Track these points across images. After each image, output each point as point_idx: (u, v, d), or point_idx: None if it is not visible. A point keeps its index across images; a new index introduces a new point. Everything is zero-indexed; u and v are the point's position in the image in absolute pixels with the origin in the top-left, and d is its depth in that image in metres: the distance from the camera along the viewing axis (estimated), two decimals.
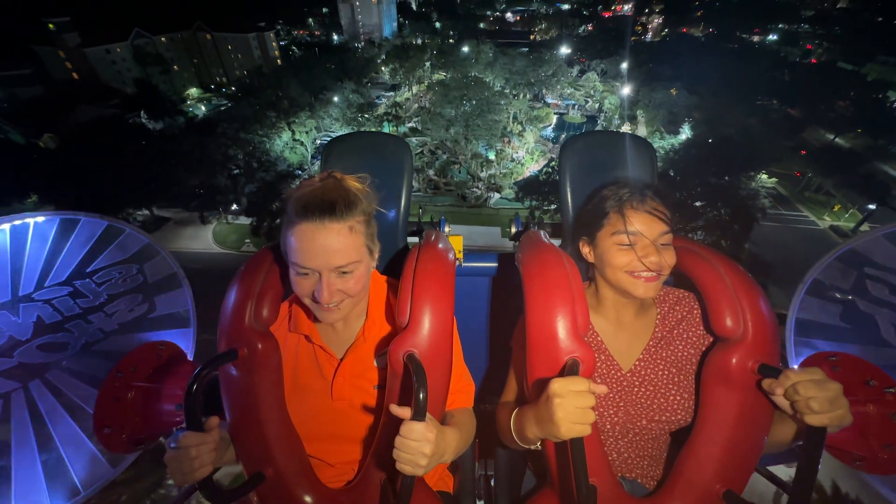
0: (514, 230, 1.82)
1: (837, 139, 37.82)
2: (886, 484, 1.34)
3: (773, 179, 32.39)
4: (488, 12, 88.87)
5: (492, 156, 33.02)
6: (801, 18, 68.11)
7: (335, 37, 70.26)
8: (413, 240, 1.66)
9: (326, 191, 1.07)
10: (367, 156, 1.60)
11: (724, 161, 25.23)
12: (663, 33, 74.50)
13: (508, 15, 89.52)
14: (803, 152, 34.42)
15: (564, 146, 1.60)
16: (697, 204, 23.71)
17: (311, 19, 77.14)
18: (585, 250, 1.35)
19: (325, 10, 76.61)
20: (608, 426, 1.28)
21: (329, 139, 1.64)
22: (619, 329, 1.35)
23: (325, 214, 1.03)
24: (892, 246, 1.53)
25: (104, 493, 1.55)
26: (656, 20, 77.76)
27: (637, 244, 1.20)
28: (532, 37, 71.60)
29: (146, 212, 27.91)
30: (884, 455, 1.15)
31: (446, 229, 1.83)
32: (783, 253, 25.99)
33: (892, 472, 1.16)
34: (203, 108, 49.76)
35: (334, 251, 1.04)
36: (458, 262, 1.77)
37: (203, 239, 27.95)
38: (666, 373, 1.28)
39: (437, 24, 68.87)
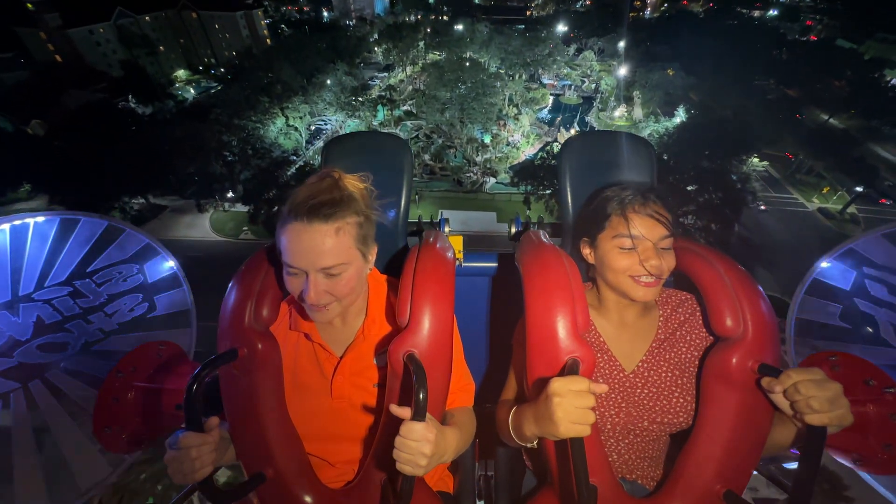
0: (513, 230, 1.82)
1: (832, 119, 37.74)
2: (886, 484, 1.37)
3: (765, 163, 32.44)
4: None
5: (487, 139, 32.86)
6: None
7: (325, 13, 68.85)
8: (413, 240, 1.65)
9: (319, 191, 1.05)
10: (366, 156, 1.59)
11: (717, 145, 25.29)
12: (662, 7, 73.42)
13: None
14: (796, 131, 34.45)
15: (564, 146, 1.60)
16: (690, 188, 23.78)
17: None
18: (586, 251, 1.35)
19: None
20: (609, 427, 1.28)
21: (329, 139, 1.62)
22: (621, 330, 1.35)
23: (312, 215, 1.02)
24: (892, 246, 1.54)
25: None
26: None
27: (638, 247, 1.20)
28: (528, 12, 69.86)
29: (142, 200, 27.72)
30: (884, 455, 1.17)
31: (446, 229, 1.82)
32: (772, 235, 26.38)
33: (892, 472, 1.17)
34: (192, 90, 48.92)
35: (320, 252, 1.03)
36: (458, 262, 1.77)
37: (201, 227, 27.85)
38: (669, 375, 1.28)
39: (430, 0, 67.59)
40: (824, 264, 1.64)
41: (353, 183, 1.13)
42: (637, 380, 1.30)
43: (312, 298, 1.05)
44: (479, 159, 31.71)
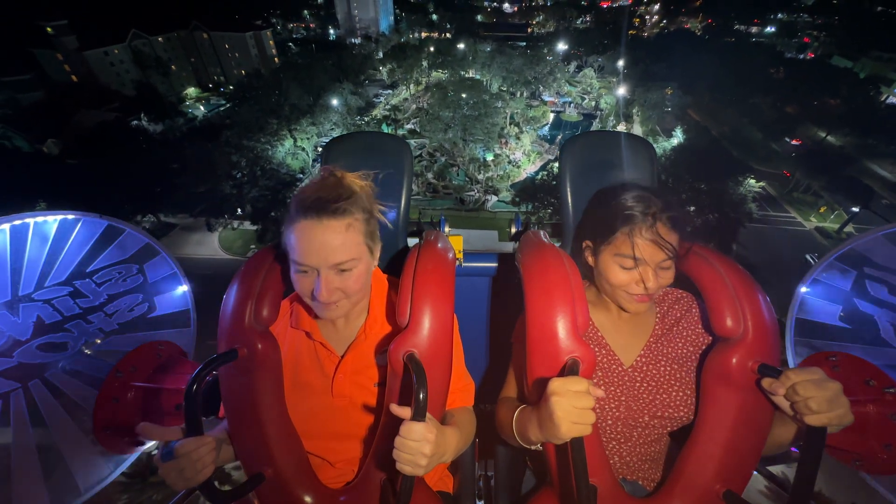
0: (514, 230, 1.82)
1: (829, 137, 37.76)
2: (886, 484, 1.35)
3: (762, 183, 32.24)
4: (485, 3, 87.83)
5: (489, 158, 33.06)
6: (801, 7, 67.60)
7: (331, 31, 70.18)
8: (413, 240, 1.66)
9: (325, 188, 1.07)
10: (366, 156, 1.59)
11: (713, 166, 25.41)
12: (661, 24, 74.44)
13: (506, 5, 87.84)
14: (794, 152, 34.41)
15: (564, 147, 1.59)
16: (688, 209, 23.86)
17: (305, 11, 76.65)
18: (587, 254, 1.35)
19: (319, 0, 76.20)
20: (610, 421, 1.27)
21: (329, 139, 1.63)
22: (619, 325, 1.36)
23: (323, 212, 1.03)
24: (892, 246, 1.54)
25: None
26: (655, 9, 77.45)
27: (638, 268, 1.21)
28: (529, 30, 70.72)
29: (153, 218, 27.95)
30: (883, 455, 1.16)
31: (446, 229, 1.83)
32: (769, 254, 26.27)
33: (891, 472, 1.16)
34: (202, 108, 49.52)
35: (332, 248, 1.04)
36: (458, 262, 1.77)
37: (209, 245, 27.95)
38: (667, 368, 1.28)
39: (434, 17, 68.80)
40: (824, 264, 1.64)
41: (355, 181, 1.15)
42: (636, 374, 1.30)
43: (324, 296, 1.05)
44: (480, 178, 31.81)
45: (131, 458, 1.57)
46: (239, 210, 26.95)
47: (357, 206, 1.09)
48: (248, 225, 27.57)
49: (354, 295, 1.13)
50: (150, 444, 1.56)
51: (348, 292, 1.10)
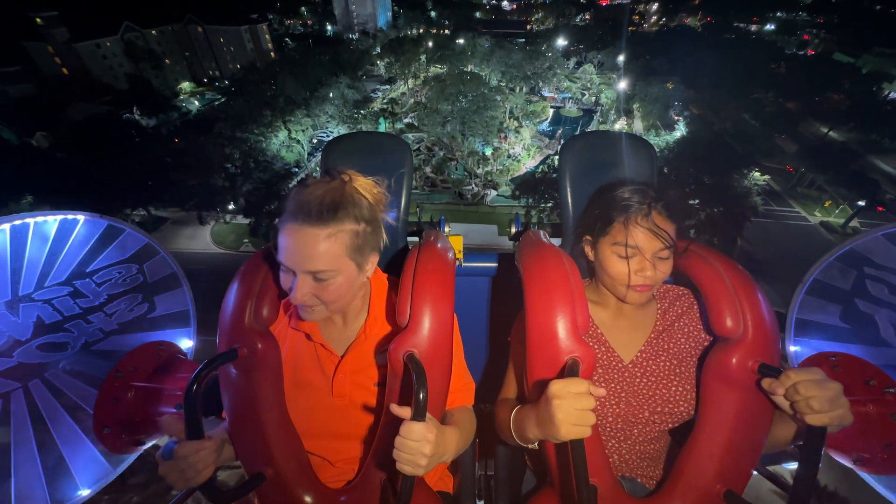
0: (513, 230, 1.82)
1: (831, 133, 37.63)
2: (886, 484, 1.36)
3: (766, 177, 32.10)
4: (484, 0, 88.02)
5: (488, 152, 32.98)
6: (801, 6, 67.55)
7: (329, 27, 69.97)
8: (413, 240, 1.66)
9: (320, 193, 1.04)
10: (366, 156, 1.59)
11: (717, 159, 25.26)
12: (661, 22, 74.49)
13: (505, 3, 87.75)
14: (795, 145, 34.33)
15: (564, 146, 1.59)
16: (691, 203, 23.74)
17: (303, 8, 76.22)
18: (587, 248, 1.36)
19: None
20: (610, 418, 1.28)
21: (329, 139, 1.63)
22: (619, 321, 1.36)
23: (307, 217, 1.00)
24: (892, 246, 1.54)
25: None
26: (654, 8, 77.52)
27: (634, 257, 1.22)
28: (528, 27, 70.79)
29: (143, 212, 27.74)
30: (884, 455, 1.17)
31: (446, 229, 1.83)
32: (774, 250, 26.10)
33: (892, 472, 1.17)
34: (196, 102, 49.20)
35: (308, 256, 1.02)
36: (458, 262, 1.77)
37: (202, 239, 27.73)
38: (667, 364, 1.29)
39: (432, 14, 68.63)
40: (824, 264, 1.64)
41: (364, 187, 1.11)
42: (636, 370, 1.30)
43: (297, 299, 1.05)
44: (480, 172, 31.70)
45: (131, 457, 1.58)
46: (232, 204, 26.76)
47: (348, 217, 1.05)
48: (241, 219, 27.36)
49: (331, 304, 1.11)
50: (150, 444, 1.56)
51: (323, 300, 1.08)
